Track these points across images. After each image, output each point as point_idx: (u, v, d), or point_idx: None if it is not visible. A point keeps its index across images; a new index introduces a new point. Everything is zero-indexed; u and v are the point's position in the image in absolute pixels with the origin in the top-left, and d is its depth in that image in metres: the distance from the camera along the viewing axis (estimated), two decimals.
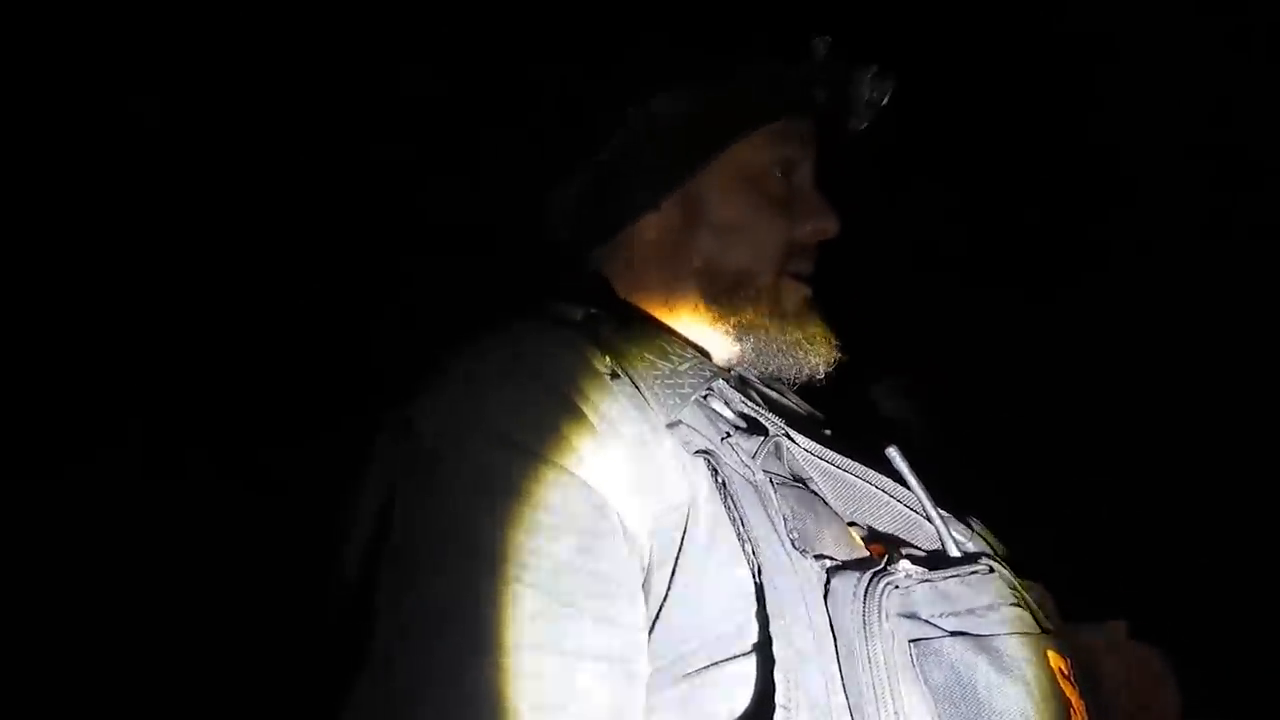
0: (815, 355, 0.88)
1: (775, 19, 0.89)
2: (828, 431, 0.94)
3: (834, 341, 0.89)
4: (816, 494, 0.77)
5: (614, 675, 0.64)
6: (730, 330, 0.87)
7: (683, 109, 0.85)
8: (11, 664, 1.64)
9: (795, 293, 0.89)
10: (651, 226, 0.87)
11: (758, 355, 0.87)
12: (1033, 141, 1.87)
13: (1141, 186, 1.86)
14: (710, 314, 0.87)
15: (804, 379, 0.90)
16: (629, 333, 0.78)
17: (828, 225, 0.89)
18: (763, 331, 0.86)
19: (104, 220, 1.85)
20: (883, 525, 0.78)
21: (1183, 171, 1.80)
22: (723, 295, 0.86)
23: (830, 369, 0.89)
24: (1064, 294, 1.91)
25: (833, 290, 0.93)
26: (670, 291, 0.87)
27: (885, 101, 0.90)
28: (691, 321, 0.88)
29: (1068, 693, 0.66)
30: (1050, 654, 0.67)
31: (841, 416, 1.01)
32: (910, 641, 0.63)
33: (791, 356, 0.87)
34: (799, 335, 0.87)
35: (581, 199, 0.88)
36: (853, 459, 0.79)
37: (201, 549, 1.74)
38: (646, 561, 0.69)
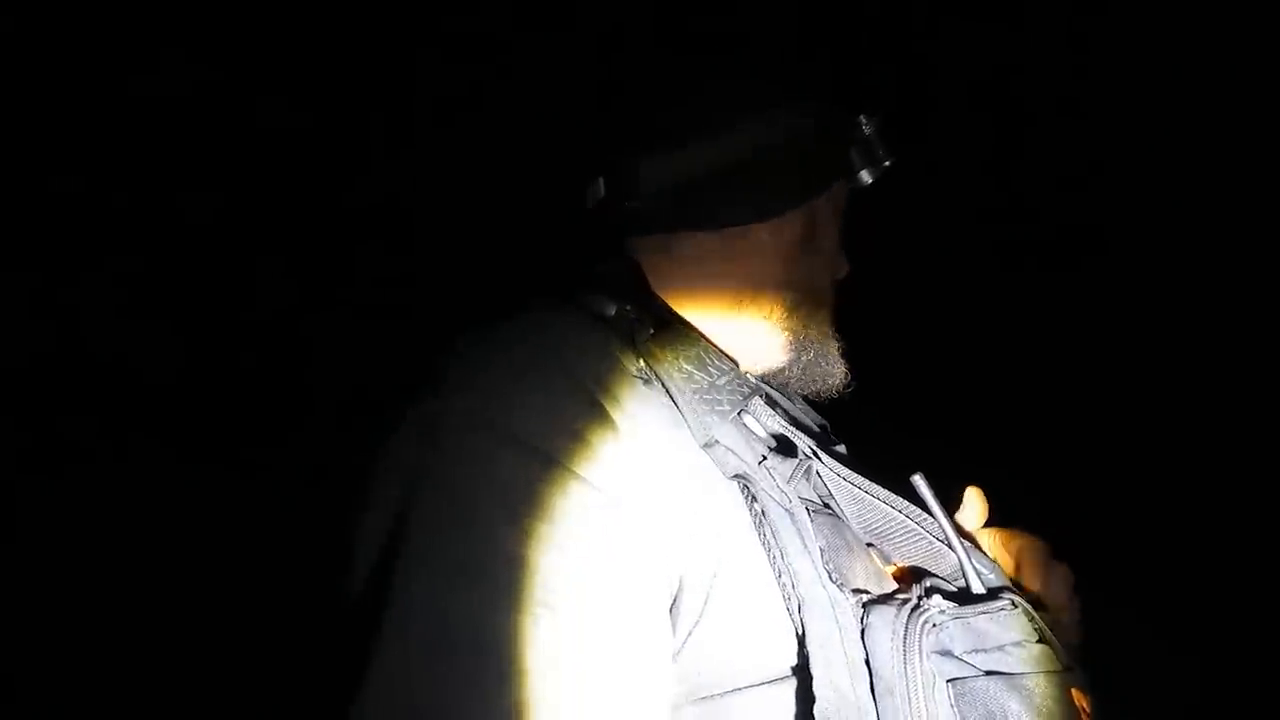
0: (842, 375, 0.92)
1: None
2: (840, 446, 0.94)
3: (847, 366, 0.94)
4: (841, 518, 0.76)
5: (637, 702, 0.62)
6: (794, 342, 0.88)
7: (811, 127, 0.87)
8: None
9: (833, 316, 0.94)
10: (768, 229, 0.86)
11: (806, 368, 0.89)
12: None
13: (1142, 177, 1.87)
14: (783, 324, 0.87)
15: (825, 395, 0.93)
16: (665, 335, 0.76)
17: (846, 267, 0.96)
18: (820, 348, 0.90)
19: (101, 216, 1.76)
20: (905, 553, 0.77)
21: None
22: (803, 309, 0.89)
23: (845, 390, 0.94)
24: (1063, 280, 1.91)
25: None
26: (746, 293, 0.86)
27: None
28: (754, 327, 0.86)
29: None
30: (1075, 692, 0.67)
31: (835, 418, 1.02)
32: (948, 682, 0.63)
33: (829, 373, 0.91)
34: (837, 355, 0.92)
35: (688, 178, 0.83)
36: (870, 478, 0.78)
37: (202, 549, 1.68)
38: (676, 586, 0.67)
